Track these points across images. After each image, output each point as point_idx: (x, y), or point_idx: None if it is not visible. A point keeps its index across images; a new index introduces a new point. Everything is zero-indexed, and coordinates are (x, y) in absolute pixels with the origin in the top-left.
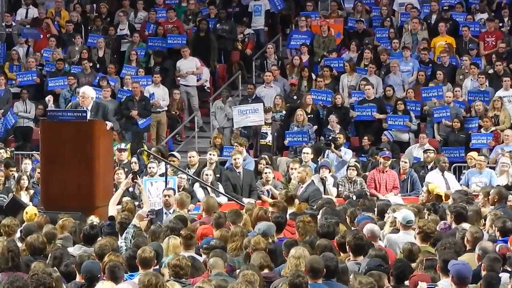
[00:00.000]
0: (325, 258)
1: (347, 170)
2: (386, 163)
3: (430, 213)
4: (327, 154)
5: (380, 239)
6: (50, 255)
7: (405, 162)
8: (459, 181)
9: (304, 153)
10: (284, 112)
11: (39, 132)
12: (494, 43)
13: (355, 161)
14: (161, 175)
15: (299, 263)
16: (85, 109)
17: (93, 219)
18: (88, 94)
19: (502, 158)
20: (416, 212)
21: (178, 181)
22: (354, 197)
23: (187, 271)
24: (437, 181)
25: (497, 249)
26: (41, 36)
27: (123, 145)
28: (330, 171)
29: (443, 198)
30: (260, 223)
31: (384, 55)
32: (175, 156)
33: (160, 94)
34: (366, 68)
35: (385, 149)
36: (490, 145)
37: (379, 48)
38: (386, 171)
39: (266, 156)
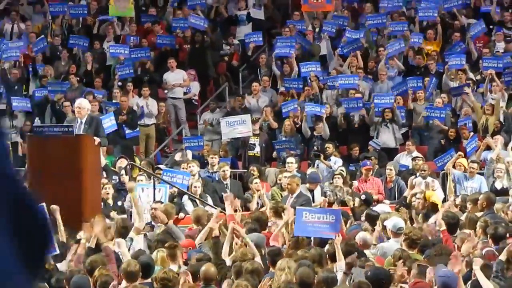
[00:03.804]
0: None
1: (332, 179)
2: (367, 173)
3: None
4: (317, 165)
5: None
6: None
7: (391, 170)
8: (445, 185)
9: (288, 162)
10: (271, 119)
11: (26, 148)
12: (481, 49)
13: (341, 169)
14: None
15: (285, 274)
16: (79, 120)
17: (81, 235)
18: (84, 105)
19: (497, 164)
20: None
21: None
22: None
23: (175, 282)
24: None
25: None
26: (26, 51)
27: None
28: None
29: (439, 206)
30: (251, 235)
31: (371, 63)
32: (161, 169)
33: (149, 107)
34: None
35: (372, 158)
36: (478, 146)
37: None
38: (369, 180)
39: (255, 168)
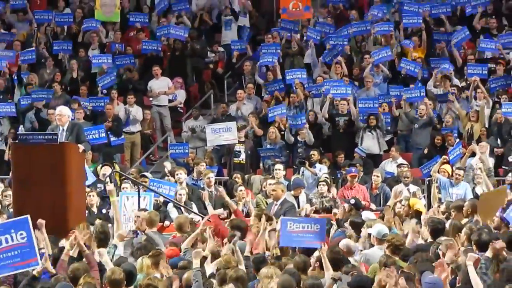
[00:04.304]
0: None
1: (317, 186)
2: (353, 180)
3: None
4: (302, 172)
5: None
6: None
7: (377, 176)
8: (429, 191)
9: (276, 169)
10: (256, 127)
11: (10, 155)
12: (466, 54)
13: (325, 176)
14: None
15: (273, 281)
16: (60, 128)
17: (63, 243)
18: (64, 112)
19: (476, 171)
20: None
21: (154, 200)
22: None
23: None
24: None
25: None
26: (15, 58)
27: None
28: (303, 188)
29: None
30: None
31: (356, 69)
32: (146, 177)
33: (132, 112)
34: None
35: (357, 165)
36: (462, 153)
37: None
38: (354, 187)
39: (239, 175)
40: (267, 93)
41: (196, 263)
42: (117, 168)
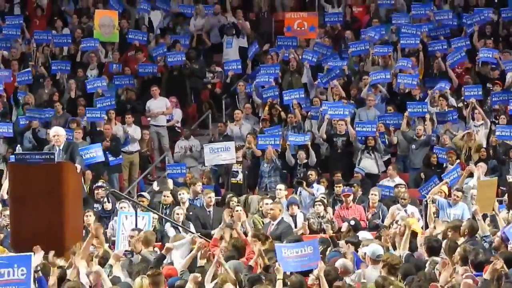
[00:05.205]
0: None
1: (314, 206)
2: (347, 200)
3: None
4: (300, 192)
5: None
6: None
7: (375, 195)
8: (426, 212)
9: (278, 189)
10: (254, 147)
11: (8, 175)
12: (464, 74)
13: (322, 196)
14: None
15: None
16: (57, 148)
17: (58, 262)
18: (61, 133)
19: (471, 191)
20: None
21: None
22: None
23: None
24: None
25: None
26: (12, 78)
27: (100, 183)
28: (298, 207)
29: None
30: (229, 262)
31: (354, 90)
32: (144, 197)
33: (132, 134)
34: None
35: (355, 185)
36: (460, 174)
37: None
38: (350, 207)
39: (234, 198)
40: (262, 96)
41: (189, 287)
42: None
